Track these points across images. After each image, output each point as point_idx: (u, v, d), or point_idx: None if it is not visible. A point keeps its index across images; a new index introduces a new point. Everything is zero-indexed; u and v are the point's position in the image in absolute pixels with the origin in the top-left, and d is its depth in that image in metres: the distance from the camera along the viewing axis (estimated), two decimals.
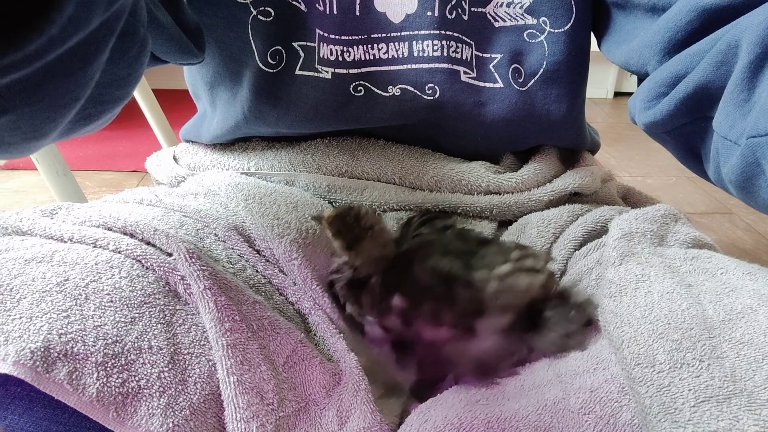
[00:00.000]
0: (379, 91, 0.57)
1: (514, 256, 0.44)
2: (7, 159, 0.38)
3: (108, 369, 0.34)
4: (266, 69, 0.55)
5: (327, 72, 0.56)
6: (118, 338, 0.35)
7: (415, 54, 0.56)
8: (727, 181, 0.40)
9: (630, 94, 2.62)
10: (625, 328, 0.37)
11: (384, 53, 0.56)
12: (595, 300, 0.43)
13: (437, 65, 0.56)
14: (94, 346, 0.34)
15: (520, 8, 0.57)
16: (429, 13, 0.55)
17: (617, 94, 2.61)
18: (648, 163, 1.84)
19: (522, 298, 0.43)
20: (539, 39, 0.57)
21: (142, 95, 1.06)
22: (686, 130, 0.45)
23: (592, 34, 0.60)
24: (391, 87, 0.56)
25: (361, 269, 0.47)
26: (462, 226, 0.55)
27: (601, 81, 2.57)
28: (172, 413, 0.35)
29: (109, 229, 0.44)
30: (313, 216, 0.52)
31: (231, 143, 0.64)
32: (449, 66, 0.56)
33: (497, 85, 0.58)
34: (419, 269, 0.45)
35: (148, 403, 0.34)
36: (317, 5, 0.54)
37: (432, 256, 0.45)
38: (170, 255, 0.42)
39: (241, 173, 0.60)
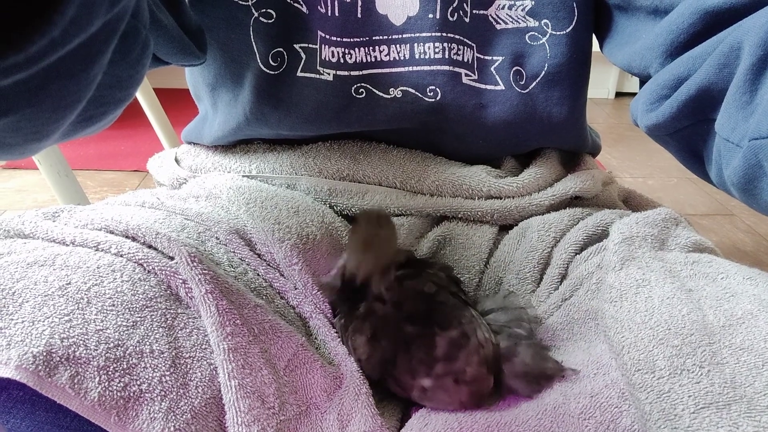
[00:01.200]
0: (381, 93, 0.57)
1: (437, 371, 0.41)
2: (8, 160, 0.38)
3: (110, 373, 0.34)
4: (268, 71, 0.55)
5: (328, 74, 0.56)
6: (119, 342, 0.35)
7: (417, 56, 0.56)
8: (729, 183, 0.40)
9: (631, 94, 2.63)
10: (625, 333, 0.37)
11: (385, 55, 0.56)
12: (562, 366, 0.41)
13: (438, 67, 0.56)
14: (96, 350, 0.34)
15: (521, 10, 0.57)
16: (430, 16, 0.55)
17: (618, 95, 2.61)
18: (649, 164, 1.84)
19: (450, 406, 0.41)
20: (541, 41, 0.57)
21: (143, 94, 1.06)
22: (688, 133, 0.45)
23: (593, 36, 0.60)
24: (392, 89, 0.56)
25: (354, 272, 0.45)
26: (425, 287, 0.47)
27: (603, 81, 2.57)
28: (173, 417, 0.35)
29: (111, 232, 0.44)
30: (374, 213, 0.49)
31: (232, 146, 0.64)
32: (450, 68, 0.56)
33: (498, 88, 0.58)
34: (357, 344, 0.44)
35: (149, 407, 0.34)
36: (319, 7, 0.54)
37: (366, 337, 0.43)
38: (172, 258, 0.42)
39: (243, 176, 0.60)
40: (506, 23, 0.57)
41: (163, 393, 0.35)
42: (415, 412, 0.43)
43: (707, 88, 0.41)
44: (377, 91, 0.56)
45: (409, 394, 0.42)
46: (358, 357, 0.44)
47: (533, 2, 0.56)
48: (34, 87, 0.27)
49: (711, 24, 0.42)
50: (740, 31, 0.38)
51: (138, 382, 0.35)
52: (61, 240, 0.42)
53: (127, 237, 0.43)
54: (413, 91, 0.56)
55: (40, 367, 0.32)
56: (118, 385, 0.34)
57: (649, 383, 0.34)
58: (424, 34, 0.55)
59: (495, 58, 0.58)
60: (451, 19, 0.55)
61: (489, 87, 0.58)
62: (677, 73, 0.44)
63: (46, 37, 0.23)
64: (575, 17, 0.56)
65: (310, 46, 0.55)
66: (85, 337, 0.35)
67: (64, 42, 0.25)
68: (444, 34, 0.55)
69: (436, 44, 0.55)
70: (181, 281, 0.41)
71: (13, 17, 0.21)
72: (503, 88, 0.58)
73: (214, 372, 0.38)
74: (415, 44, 0.56)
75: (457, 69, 0.56)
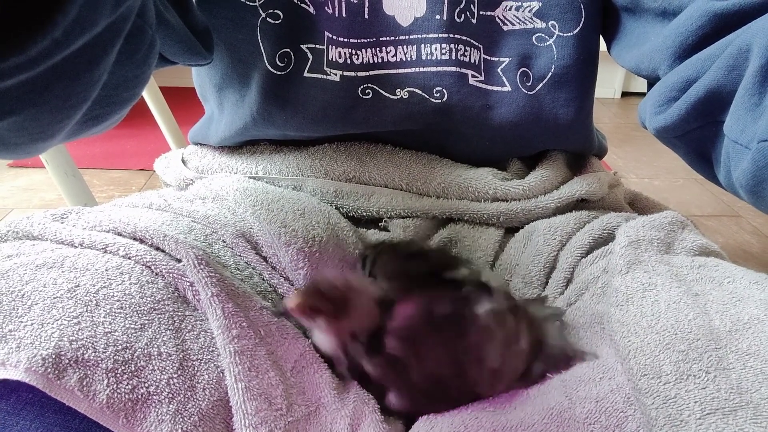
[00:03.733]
0: (387, 94, 0.57)
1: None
2: (15, 159, 0.38)
3: (118, 375, 0.34)
4: (274, 71, 0.55)
5: (335, 74, 0.56)
6: (128, 345, 0.36)
7: (423, 57, 0.56)
8: (738, 185, 0.40)
9: (638, 94, 2.60)
10: (631, 337, 0.37)
11: (392, 56, 0.56)
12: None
13: (445, 68, 0.56)
14: (105, 352, 0.34)
15: (529, 12, 0.56)
16: (438, 17, 0.55)
17: (625, 94, 2.60)
18: (655, 164, 1.83)
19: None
20: (548, 43, 0.57)
21: (149, 93, 1.06)
22: (697, 135, 0.45)
23: (601, 38, 0.60)
24: (398, 90, 0.56)
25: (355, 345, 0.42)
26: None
27: (609, 81, 2.56)
28: (181, 419, 0.35)
29: (119, 234, 0.44)
30: (275, 313, 0.44)
31: (239, 147, 0.64)
32: (457, 69, 0.56)
33: (505, 89, 0.58)
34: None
35: (157, 409, 0.35)
36: (326, 8, 0.54)
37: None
38: (179, 261, 0.42)
39: (249, 177, 0.60)
40: (513, 24, 0.57)
41: (170, 395, 0.35)
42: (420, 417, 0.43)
43: (716, 91, 0.40)
44: (384, 92, 0.57)
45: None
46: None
47: (540, 3, 0.56)
48: (38, 87, 0.27)
49: (720, 26, 0.42)
50: (749, 34, 0.38)
51: (146, 385, 0.35)
52: (70, 242, 0.43)
53: (134, 239, 0.43)
54: (420, 92, 0.56)
55: (49, 370, 0.32)
56: (127, 387, 0.34)
57: (655, 388, 0.34)
58: (431, 35, 0.55)
59: (502, 59, 0.58)
60: (458, 20, 0.55)
61: (495, 88, 0.58)
62: (686, 75, 0.43)
63: (49, 38, 0.23)
64: (582, 19, 0.56)
65: (317, 46, 0.55)
66: (94, 339, 0.35)
67: (68, 43, 0.25)
68: (451, 35, 0.55)
69: (443, 45, 0.55)
70: (188, 284, 0.41)
71: (14, 17, 0.21)
72: (510, 89, 0.58)
73: (222, 374, 0.38)
74: (422, 45, 0.56)
75: (463, 70, 0.56)
